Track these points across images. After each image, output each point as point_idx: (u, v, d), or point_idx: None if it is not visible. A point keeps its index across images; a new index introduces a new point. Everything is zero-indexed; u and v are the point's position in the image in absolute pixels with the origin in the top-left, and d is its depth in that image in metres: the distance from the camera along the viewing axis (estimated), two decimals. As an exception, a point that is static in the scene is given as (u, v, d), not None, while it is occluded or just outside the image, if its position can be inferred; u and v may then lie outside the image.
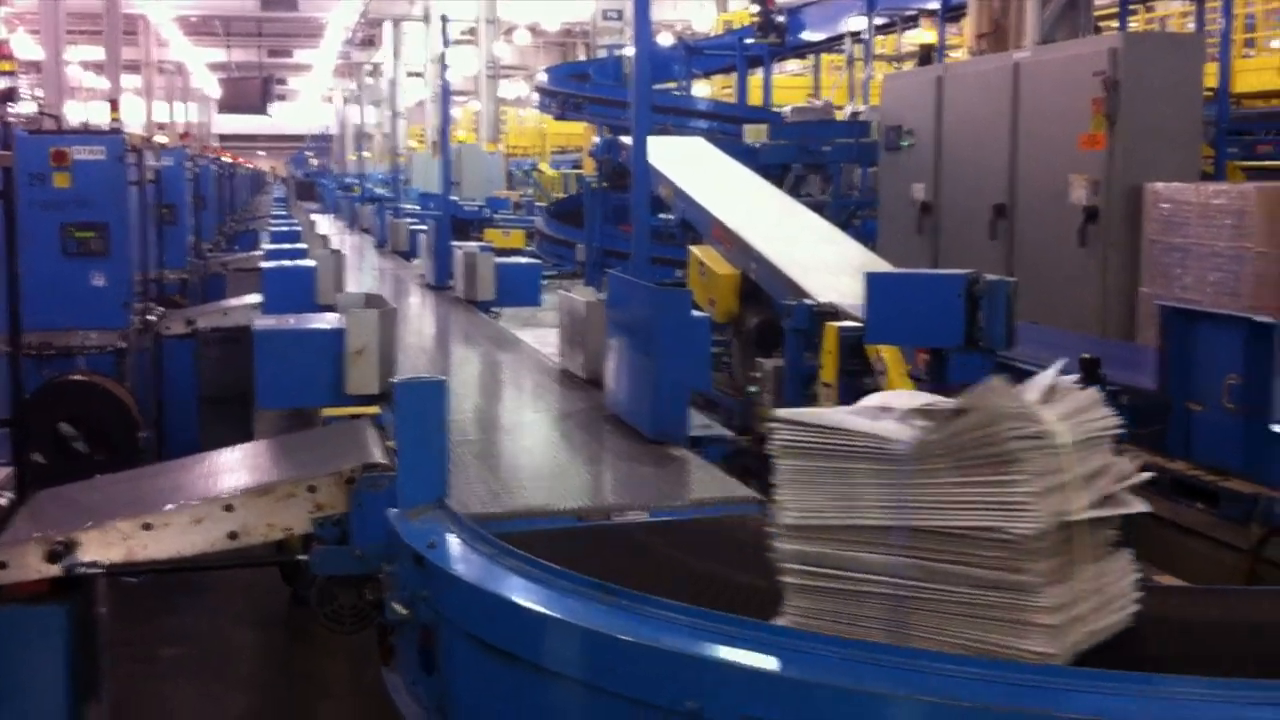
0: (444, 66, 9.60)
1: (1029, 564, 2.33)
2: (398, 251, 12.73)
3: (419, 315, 8.28)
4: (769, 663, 2.31)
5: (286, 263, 7.70)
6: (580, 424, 4.71)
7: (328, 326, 4.90)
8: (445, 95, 9.83)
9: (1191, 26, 11.64)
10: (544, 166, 30.37)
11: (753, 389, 7.60)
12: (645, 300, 4.29)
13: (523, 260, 8.62)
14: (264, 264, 7.87)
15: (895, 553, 2.43)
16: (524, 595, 2.72)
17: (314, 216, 18.10)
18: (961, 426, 2.40)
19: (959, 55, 13.02)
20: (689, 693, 2.36)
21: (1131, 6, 11.08)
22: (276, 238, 10.65)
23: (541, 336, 7.06)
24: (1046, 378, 2.60)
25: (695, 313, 4.52)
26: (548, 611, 2.64)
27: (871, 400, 2.73)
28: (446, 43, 10.00)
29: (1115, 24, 11.28)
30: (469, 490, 3.61)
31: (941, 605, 2.40)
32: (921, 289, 5.46)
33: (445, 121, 10.03)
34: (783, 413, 2.60)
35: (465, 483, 3.67)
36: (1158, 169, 7.90)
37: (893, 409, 2.57)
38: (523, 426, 4.92)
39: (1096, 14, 10.73)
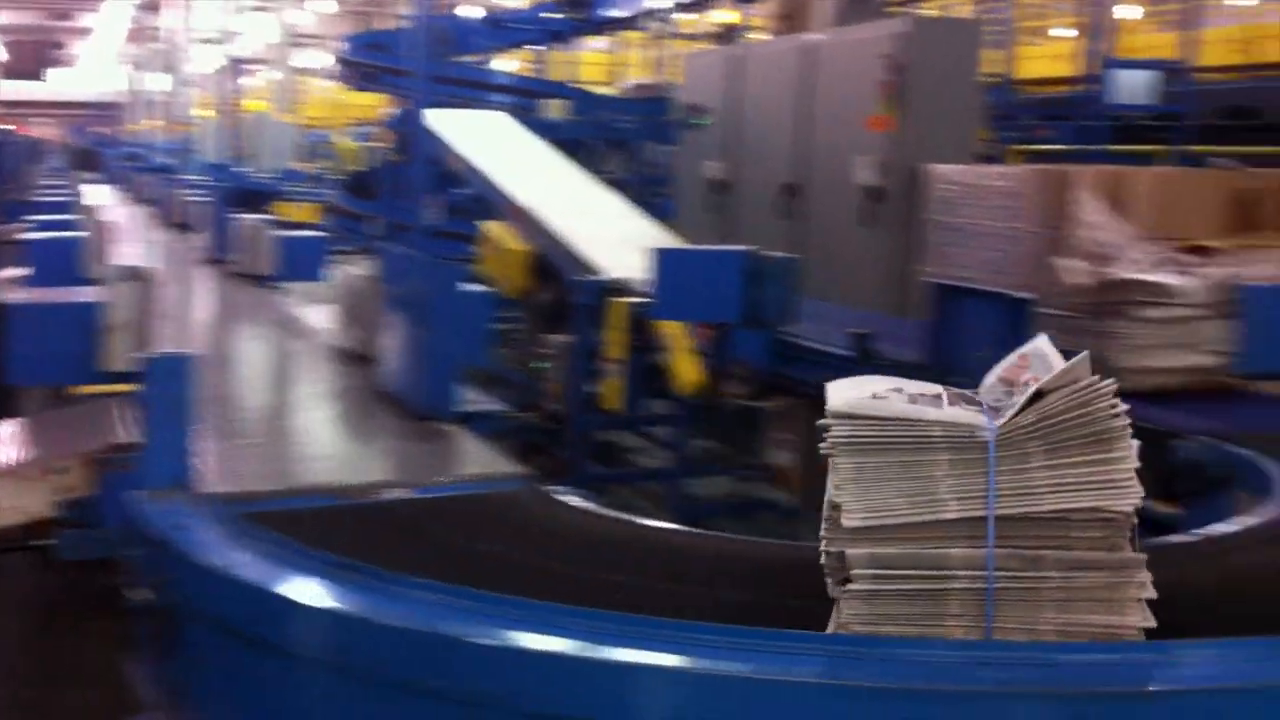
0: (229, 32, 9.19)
1: (1126, 540, 2.33)
2: (179, 224, 12.22)
3: (192, 290, 7.93)
4: (525, 640, 2.25)
5: (51, 234, 7.27)
6: (351, 401, 4.58)
7: (83, 300, 4.65)
8: (233, 64, 9.42)
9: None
10: (341, 138, 29.63)
11: (541, 365, 7.55)
12: (416, 274, 4.18)
13: (306, 234, 8.33)
14: (27, 235, 7.43)
15: (983, 545, 2.32)
16: (268, 577, 2.60)
17: (92, 187, 17.22)
18: (1054, 408, 2.33)
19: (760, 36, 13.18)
20: (441, 673, 2.29)
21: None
22: (46, 208, 10.09)
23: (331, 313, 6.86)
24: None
25: (471, 287, 4.44)
26: (292, 594, 2.52)
27: (846, 385, 2.53)
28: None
29: (904, 9, 11.58)
30: (225, 469, 3.44)
31: (1032, 593, 2.34)
32: (703, 265, 5.49)
33: (228, 89, 9.60)
34: (839, 407, 2.38)
35: (221, 462, 3.50)
36: (940, 151, 8.11)
37: (910, 393, 2.45)
38: (290, 404, 4.76)
39: (886, -1, 10.98)
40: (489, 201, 9.20)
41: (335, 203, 16.33)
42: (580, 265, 7.37)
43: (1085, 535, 2.33)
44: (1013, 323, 3.87)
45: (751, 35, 13.84)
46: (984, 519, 2.32)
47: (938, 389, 2.48)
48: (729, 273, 5.32)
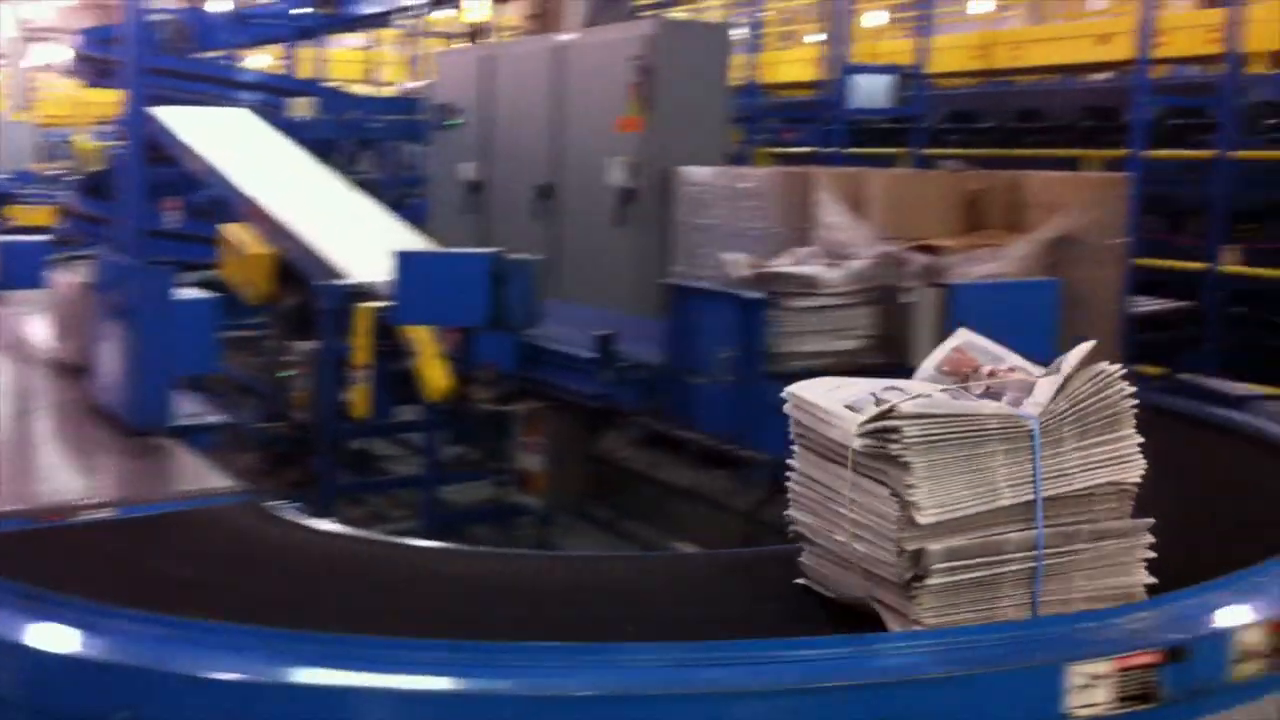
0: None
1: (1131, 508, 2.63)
2: (-110, 228, 11.33)
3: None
4: (200, 665, 2.11)
5: None
6: (60, 416, 4.28)
7: None
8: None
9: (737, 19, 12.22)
10: (81, 138, 28.12)
11: (287, 373, 7.29)
12: (125, 280, 3.93)
13: (25, 239, 7.82)
14: None
15: (1032, 527, 2.52)
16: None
17: None
18: (1082, 393, 2.58)
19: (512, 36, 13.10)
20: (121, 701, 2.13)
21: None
22: None
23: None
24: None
25: (190, 293, 4.20)
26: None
27: (825, 385, 2.72)
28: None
29: (656, 13, 11.68)
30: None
31: (1066, 565, 2.54)
32: (447, 268, 5.37)
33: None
34: (908, 408, 2.47)
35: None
36: (690, 153, 8.18)
37: (912, 390, 2.65)
38: (-12, 422, 4.40)
39: (639, 1, 11.06)
40: (230, 203, 8.83)
41: (72, 205, 15.47)
42: (325, 269, 7.15)
43: (1105, 506, 2.59)
44: (745, 322, 3.90)
45: (504, 34, 13.76)
46: (1031, 503, 2.53)
47: (919, 384, 2.70)
48: (472, 276, 5.21)
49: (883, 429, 2.48)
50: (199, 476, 3.49)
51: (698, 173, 7.97)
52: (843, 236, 6.73)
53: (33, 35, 28.72)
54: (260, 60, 23.89)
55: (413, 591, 2.74)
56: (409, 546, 3.27)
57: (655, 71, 8.11)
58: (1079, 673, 2.30)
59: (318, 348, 6.84)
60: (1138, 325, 6.75)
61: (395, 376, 6.29)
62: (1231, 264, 8.41)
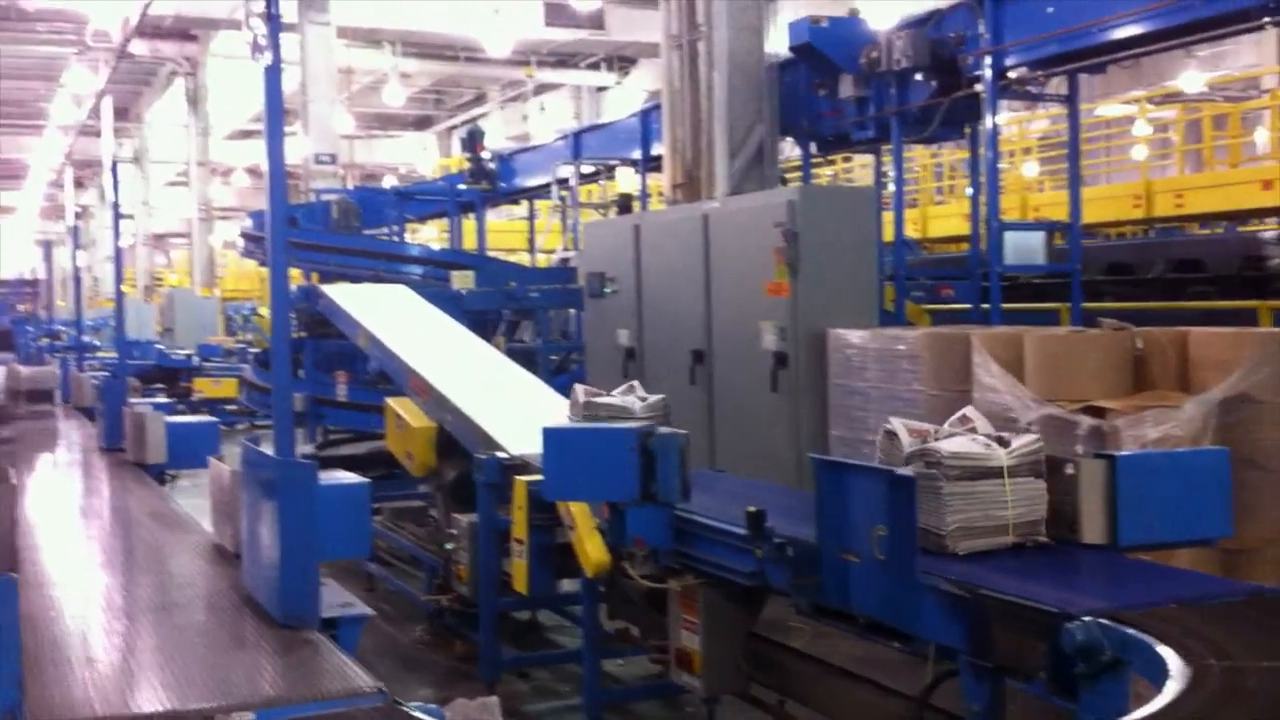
0: (116, 219, 9.15)
1: None
2: (81, 408, 11.92)
3: (72, 485, 7.64)
4: None
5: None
6: (209, 608, 4.33)
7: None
8: (117, 249, 9.37)
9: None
10: (264, 311, 29.48)
11: (449, 545, 7.36)
12: (269, 470, 4.01)
13: (197, 419, 8.15)
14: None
15: None
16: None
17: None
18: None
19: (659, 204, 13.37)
20: None
21: (814, 160, 11.63)
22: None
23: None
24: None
25: (338, 477, 4.27)
26: None
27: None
28: (116, 190, 9.55)
29: (799, 176, 11.82)
30: (58, 696, 3.21)
31: None
32: (596, 443, 5.37)
33: (118, 273, 9.53)
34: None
35: (49, 683, 3.27)
36: (839, 314, 8.17)
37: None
38: (139, 615, 4.45)
39: (784, 167, 11.20)
40: (394, 375, 9.09)
41: (249, 377, 16.14)
42: (485, 441, 7.24)
43: None
44: (898, 499, 3.79)
45: (651, 203, 14.07)
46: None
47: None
48: (620, 450, 5.19)
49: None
50: (341, 676, 3.48)
51: (850, 335, 7.92)
52: (1003, 399, 6.59)
53: (211, 215, 30.44)
54: (426, 233, 24.93)
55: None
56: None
57: (799, 236, 8.17)
58: None
59: (477, 520, 6.90)
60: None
61: (554, 550, 6.28)
62: None
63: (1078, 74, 9.42)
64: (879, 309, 9.09)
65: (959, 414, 4.53)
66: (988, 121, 9.27)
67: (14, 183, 44.95)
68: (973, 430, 4.39)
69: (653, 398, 6.42)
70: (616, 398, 6.31)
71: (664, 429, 5.35)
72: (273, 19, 3.89)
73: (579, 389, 6.60)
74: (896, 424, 4.53)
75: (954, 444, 4.16)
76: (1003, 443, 4.19)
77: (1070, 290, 9.38)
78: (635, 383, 7.00)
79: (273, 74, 3.89)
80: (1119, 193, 14.08)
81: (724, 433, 8.94)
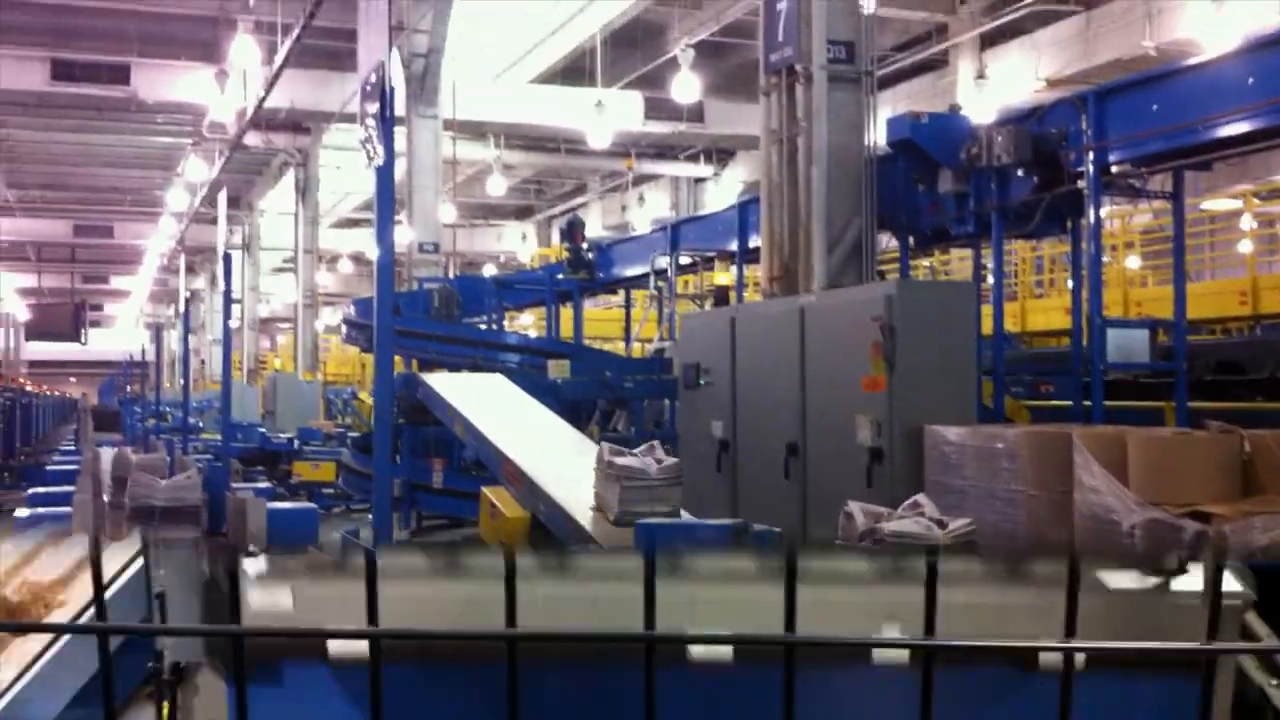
0: (227, 304, 9.42)
1: None
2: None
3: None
4: None
5: (40, 509, 7.26)
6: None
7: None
8: (226, 334, 9.64)
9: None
10: (364, 395, 29.98)
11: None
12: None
13: (298, 505, 8.29)
14: (19, 512, 7.42)
15: None
16: None
17: (108, 451, 17.32)
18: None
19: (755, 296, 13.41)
20: None
21: (912, 252, 11.60)
22: (51, 478, 10.11)
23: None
24: None
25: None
26: None
27: None
28: (228, 277, 9.84)
29: (897, 269, 11.79)
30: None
31: None
32: (689, 539, 5.37)
33: (227, 357, 9.78)
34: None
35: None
36: (936, 409, 8.08)
37: None
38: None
39: (881, 259, 11.19)
40: (488, 462, 9.17)
41: (347, 461, 16.38)
42: (579, 533, 7.26)
43: None
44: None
45: (747, 295, 14.13)
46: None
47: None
48: (714, 546, 5.19)
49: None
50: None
51: (947, 432, 7.82)
52: (1105, 501, 6.44)
53: (317, 300, 31.15)
54: (524, 320, 25.25)
55: None
56: None
57: (896, 330, 8.12)
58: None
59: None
60: None
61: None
62: None
63: (1182, 170, 9.33)
64: (977, 404, 8.97)
65: (911, 500, 5.11)
66: (1090, 217, 9.19)
67: (129, 268, 46.54)
68: (920, 514, 4.87)
69: (668, 460, 7.04)
70: (635, 459, 7.01)
71: (758, 526, 5.34)
72: (386, 121, 4.02)
73: (604, 448, 7.17)
74: (854, 507, 5.06)
75: (897, 524, 4.61)
76: (942, 525, 4.67)
77: (1175, 389, 9.20)
78: (655, 443, 7.58)
79: (385, 172, 4.00)
80: (1225, 288, 13.84)
81: (817, 528, 8.85)
